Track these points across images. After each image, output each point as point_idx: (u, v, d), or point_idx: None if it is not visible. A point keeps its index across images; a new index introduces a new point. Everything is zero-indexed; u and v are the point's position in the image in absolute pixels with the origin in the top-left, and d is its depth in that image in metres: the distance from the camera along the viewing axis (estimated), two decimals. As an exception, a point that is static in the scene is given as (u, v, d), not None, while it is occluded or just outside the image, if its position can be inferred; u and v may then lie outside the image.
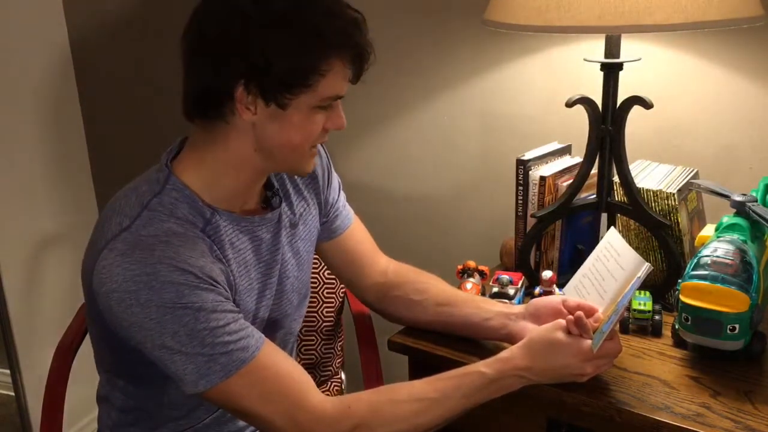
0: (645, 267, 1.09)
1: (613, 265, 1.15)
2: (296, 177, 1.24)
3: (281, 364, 1.07)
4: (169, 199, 1.06)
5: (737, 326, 1.12)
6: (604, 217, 1.44)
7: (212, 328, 1.01)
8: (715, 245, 1.16)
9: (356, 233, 1.35)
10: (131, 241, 1.01)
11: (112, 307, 1.01)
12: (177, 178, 1.08)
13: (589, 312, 1.12)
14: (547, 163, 1.46)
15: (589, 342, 1.08)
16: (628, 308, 1.28)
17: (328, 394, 1.12)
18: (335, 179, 1.33)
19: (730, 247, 1.15)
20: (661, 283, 1.34)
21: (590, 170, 1.37)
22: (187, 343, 1.00)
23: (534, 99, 1.66)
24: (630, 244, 1.17)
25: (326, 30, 1.00)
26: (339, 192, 1.34)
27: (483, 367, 1.10)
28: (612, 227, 1.26)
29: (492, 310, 1.24)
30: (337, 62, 1.03)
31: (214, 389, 1.02)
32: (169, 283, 0.99)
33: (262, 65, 0.99)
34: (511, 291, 1.33)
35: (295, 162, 1.11)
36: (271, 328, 1.20)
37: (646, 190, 1.35)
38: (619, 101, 1.32)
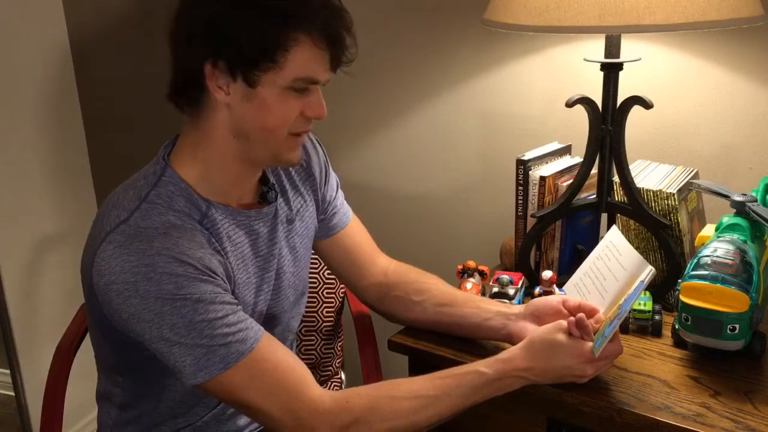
0: (648, 271, 1.08)
1: (614, 264, 1.15)
2: (293, 173, 1.24)
3: (280, 357, 1.07)
4: (166, 191, 1.07)
5: (737, 326, 1.12)
6: (604, 217, 1.44)
7: (211, 320, 1.01)
8: (715, 245, 1.16)
9: (355, 232, 1.35)
10: (130, 233, 1.02)
11: (111, 299, 1.02)
12: (173, 171, 1.09)
13: (590, 313, 1.12)
14: (547, 163, 1.46)
15: (590, 344, 1.08)
16: (628, 308, 1.28)
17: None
18: (333, 177, 1.33)
19: (730, 247, 1.15)
20: (661, 283, 1.34)
21: (590, 170, 1.37)
22: (185, 335, 1.01)
23: (534, 99, 1.66)
24: (630, 244, 1.17)
25: (290, 4, 1.01)
26: (337, 190, 1.34)
27: (483, 366, 1.10)
28: (614, 226, 1.26)
29: (492, 310, 1.24)
30: (305, 39, 1.02)
31: (213, 381, 1.03)
32: (167, 274, 0.99)
33: (227, 40, 1.00)
34: (511, 291, 1.33)
35: (275, 149, 1.09)
36: (269, 323, 1.20)
37: (646, 190, 1.35)
38: (619, 101, 1.32)
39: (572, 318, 1.10)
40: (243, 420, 1.26)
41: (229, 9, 1.00)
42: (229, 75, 1.02)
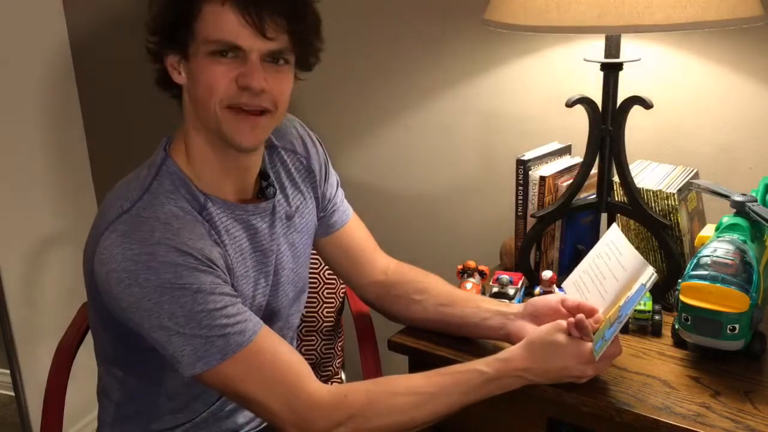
0: (650, 274, 1.08)
1: (614, 263, 1.15)
2: (292, 169, 1.25)
3: (279, 350, 1.07)
4: (168, 182, 1.08)
5: (737, 326, 1.12)
6: (604, 217, 1.44)
7: (210, 310, 1.02)
8: (715, 245, 1.16)
9: (355, 230, 1.36)
10: (132, 222, 1.03)
11: (112, 288, 1.02)
12: (173, 161, 1.10)
13: (589, 313, 1.12)
14: (547, 163, 1.46)
15: (589, 344, 1.08)
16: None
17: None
18: (333, 174, 1.34)
19: (730, 247, 1.14)
20: (661, 283, 1.34)
21: (590, 170, 1.37)
22: (184, 325, 1.01)
23: (534, 99, 1.66)
24: (630, 244, 1.17)
25: None
26: (337, 188, 1.35)
27: (482, 365, 1.11)
28: (614, 224, 1.26)
29: (491, 309, 1.24)
30: (212, 2, 1.03)
31: (211, 372, 1.03)
32: (168, 263, 1.00)
33: (156, 20, 1.07)
34: (511, 291, 1.33)
35: (216, 126, 1.07)
36: (268, 319, 1.20)
37: (646, 190, 1.35)
38: (619, 101, 1.32)
39: (572, 319, 1.10)
40: (242, 417, 1.26)
41: None
42: (174, 54, 1.08)
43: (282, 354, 1.07)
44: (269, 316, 1.21)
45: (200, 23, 1.04)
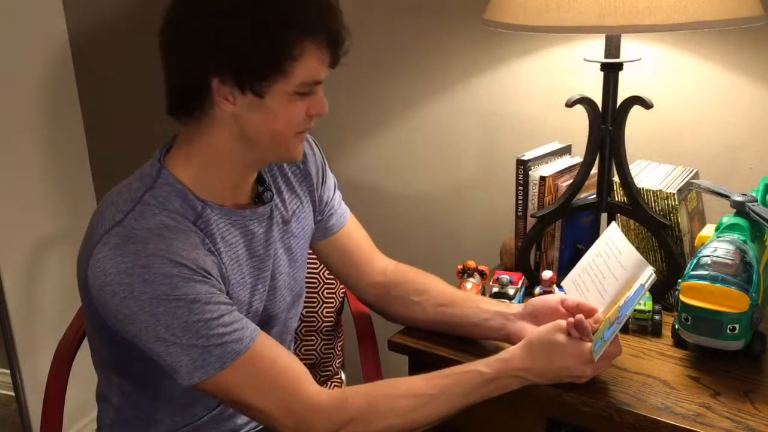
0: (649, 274, 1.08)
1: (614, 263, 1.15)
2: (289, 174, 1.24)
3: (277, 356, 1.07)
4: (161, 192, 1.07)
5: (737, 326, 1.12)
6: (604, 217, 1.44)
7: (206, 320, 1.01)
8: (715, 245, 1.16)
9: (352, 232, 1.35)
10: (124, 235, 1.02)
11: (107, 301, 1.02)
12: (169, 173, 1.09)
13: (589, 313, 1.12)
14: (547, 163, 1.46)
15: (588, 344, 1.08)
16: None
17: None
18: (330, 177, 1.33)
19: (730, 247, 1.14)
20: (661, 283, 1.34)
21: (590, 170, 1.37)
22: (181, 335, 1.01)
23: (534, 99, 1.66)
24: (629, 243, 1.17)
25: (296, 15, 1.01)
26: (334, 190, 1.34)
27: (482, 366, 1.10)
28: (613, 222, 1.26)
29: (490, 310, 1.24)
30: (310, 46, 1.02)
31: (210, 381, 1.03)
32: (162, 275, 0.99)
33: (235, 55, 1.00)
34: (511, 291, 1.33)
35: (282, 150, 1.10)
36: (266, 324, 1.20)
37: (646, 190, 1.35)
38: (619, 101, 1.32)
39: (571, 319, 1.10)
40: (241, 419, 1.26)
41: (232, 24, 0.99)
42: (237, 88, 1.02)
43: (280, 359, 1.07)
44: (266, 321, 1.21)
45: (298, 66, 1.02)
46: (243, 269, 1.14)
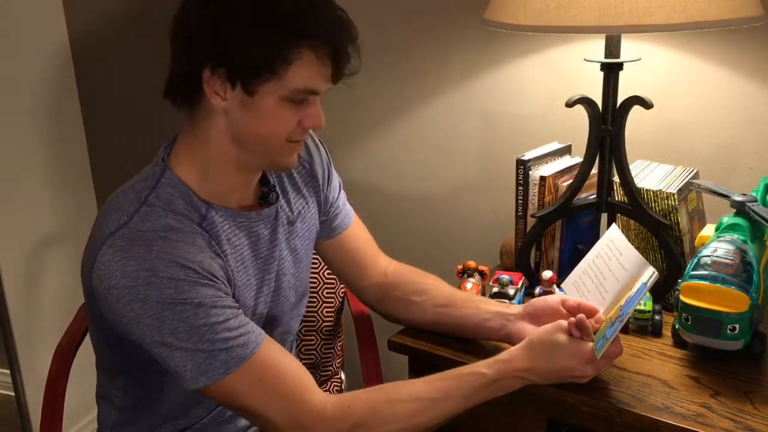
0: (651, 273, 1.08)
1: (614, 264, 1.15)
2: (295, 174, 1.24)
3: (282, 361, 1.07)
4: (166, 193, 1.07)
5: (737, 326, 1.12)
6: (604, 217, 1.44)
7: (212, 324, 1.01)
8: (715, 245, 1.16)
9: (356, 233, 1.35)
10: (129, 237, 1.01)
11: (112, 304, 1.01)
12: (172, 173, 1.09)
13: (590, 313, 1.12)
14: (547, 163, 1.46)
15: (590, 344, 1.08)
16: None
17: (327, 394, 1.12)
18: (335, 177, 1.33)
19: (730, 247, 1.14)
20: (661, 283, 1.34)
21: (590, 170, 1.37)
22: (186, 339, 1.00)
23: (534, 99, 1.66)
24: (630, 244, 1.17)
25: (296, 18, 1.00)
26: (339, 191, 1.34)
27: (483, 367, 1.10)
28: (614, 224, 1.26)
29: (491, 310, 1.24)
30: (308, 53, 1.01)
31: (214, 386, 1.02)
32: (168, 278, 0.99)
33: (228, 48, 0.99)
34: (511, 291, 1.33)
35: (272, 156, 1.09)
36: (269, 325, 1.20)
37: (646, 190, 1.35)
38: (619, 101, 1.32)
39: (572, 319, 1.09)
40: (242, 421, 1.26)
41: (233, 16, 0.99)
42: (228, 82, 1.01)
43: (285, 365, 1.06)
44: (270, 321, 1.21)
45: (292, 71, 1.01)
46: (249, 271, 1.14)
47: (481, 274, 1.40)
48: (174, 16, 1.05)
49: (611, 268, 1.15)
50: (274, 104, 1.03)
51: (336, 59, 1.03)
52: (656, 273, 1.09)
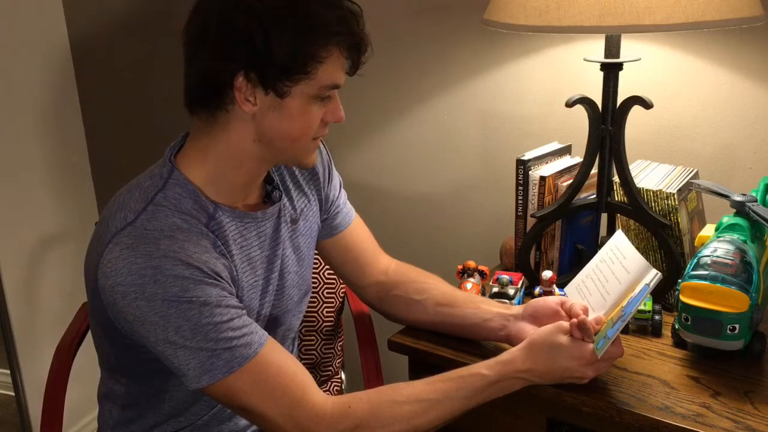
0: (654, 275, 1.08)
1: (618, 267, 1.15)
2: (297, 173, 1.25)
3: (284, 362, 1.07)
4: (173, 193, 1.07)
5: (737, 326, 1.12)
6: (604, 217, 1.44)
7: (216, 323, 1.01)
8: (715, 245, 1.16)
9: (357, 231, 1.36)
10: (136, 235, 1.02)
11: (117, 301, 1.02)
12: (180, 173, 1.09)
13: (585, 315, 1.12)
14: (547, 163, 1.46)
15: (590, 345, 1.08)
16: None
17: (328, 394, 1.12)
18: (336, 176, 1.34)
19: (730, 247, 1.15)
20: (661, 283, 1.34)
21: (590, 170, 1.37)
22: (190, 338, 1.01)
23: (534, 99, 1.66)
24: (635, 249, 1.17)
25: (325, 18, 1.02)
26: (340, 189, 1.35)
27: (484, 368, 1.10)
28: (619, 230, 1.26)
29: (491, 310, 1.24)
30: (335, 50, 1.03)
31: (217, 385, 1.03)
32: (174, 277, 0.99)
33: (263, 53, 1.00)
34: (511, 291, 1.33)
35: (297, 153, 1.12)
36: (272, 324, 1.20)
37: (646, 190, 1.35)
38: (619, 101, 1.32)
39: (574, 320, 1.09)
40: (242, 421, 1.26)
41: (261, 22, 0.99)
42: (260, 86, 1.02)
43: (287, 366, 1.07)
44: (274, 320, 1.21)
45: (322, 69, 1.03)
46: (257, 272, 1.15)
47: (481, 274, 1.40)
48: (189, 23, 1.05)
49: (614, 271, 1.15)
50: (302, 103, 1.05)
51: (356, 52, 1.06)
52: (659, 275, 1.09)
